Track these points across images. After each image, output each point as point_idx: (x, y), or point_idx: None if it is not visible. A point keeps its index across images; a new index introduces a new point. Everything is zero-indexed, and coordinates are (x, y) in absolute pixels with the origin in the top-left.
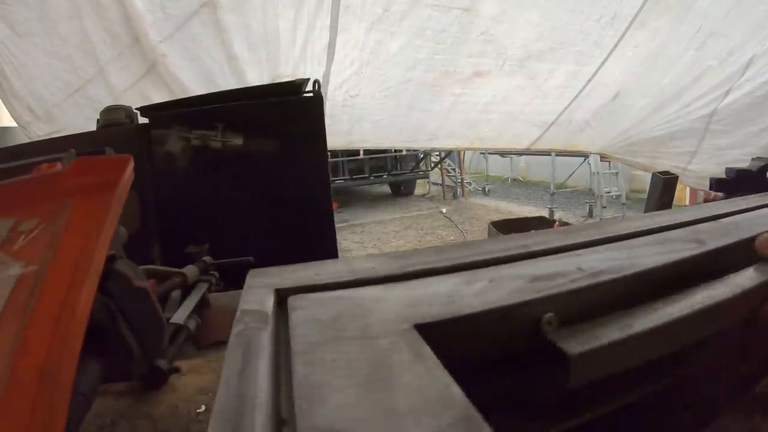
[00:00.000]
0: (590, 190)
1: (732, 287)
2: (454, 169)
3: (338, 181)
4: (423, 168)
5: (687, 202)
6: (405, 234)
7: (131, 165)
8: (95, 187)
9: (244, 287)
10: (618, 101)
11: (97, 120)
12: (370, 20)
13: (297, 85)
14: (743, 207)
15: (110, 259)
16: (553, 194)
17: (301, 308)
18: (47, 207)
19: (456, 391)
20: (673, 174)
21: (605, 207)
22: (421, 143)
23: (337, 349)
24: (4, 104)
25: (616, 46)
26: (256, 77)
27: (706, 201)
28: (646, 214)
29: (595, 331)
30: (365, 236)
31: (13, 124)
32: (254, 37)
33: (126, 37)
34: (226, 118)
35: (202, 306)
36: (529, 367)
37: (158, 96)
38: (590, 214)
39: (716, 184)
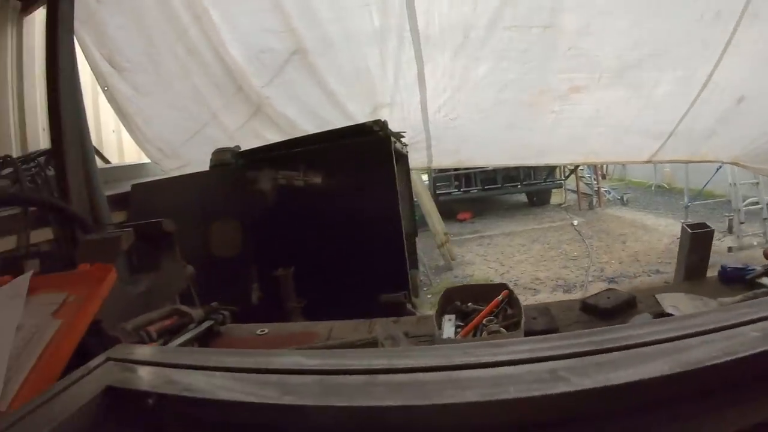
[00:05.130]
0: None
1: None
2: (590, 177)
3: (472, 191)
4: (557, 177)
5: None
6: (530, 248)
7: (113, 275)
8: (95, 280)
9: None
10: (745, 106)
11: (211, 158)
12: (452, 48)
13: (368, 127)
14: None
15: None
16: (686, 207)
17: None
18: (80, 289)
19: None
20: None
21: (743, 222)
22: (530, 160)
23: None
24: (139, 147)
25: (728, 44)
26: (357, 109)
27: None
28: None
29: None
30: (490, 249)
31: (146, 160)
32: (347, 74)
33: (231, 87)
34: (307, 159)
35: (204, 337)
36: None
37: (268, 131)
38: (729, 230)
39: None
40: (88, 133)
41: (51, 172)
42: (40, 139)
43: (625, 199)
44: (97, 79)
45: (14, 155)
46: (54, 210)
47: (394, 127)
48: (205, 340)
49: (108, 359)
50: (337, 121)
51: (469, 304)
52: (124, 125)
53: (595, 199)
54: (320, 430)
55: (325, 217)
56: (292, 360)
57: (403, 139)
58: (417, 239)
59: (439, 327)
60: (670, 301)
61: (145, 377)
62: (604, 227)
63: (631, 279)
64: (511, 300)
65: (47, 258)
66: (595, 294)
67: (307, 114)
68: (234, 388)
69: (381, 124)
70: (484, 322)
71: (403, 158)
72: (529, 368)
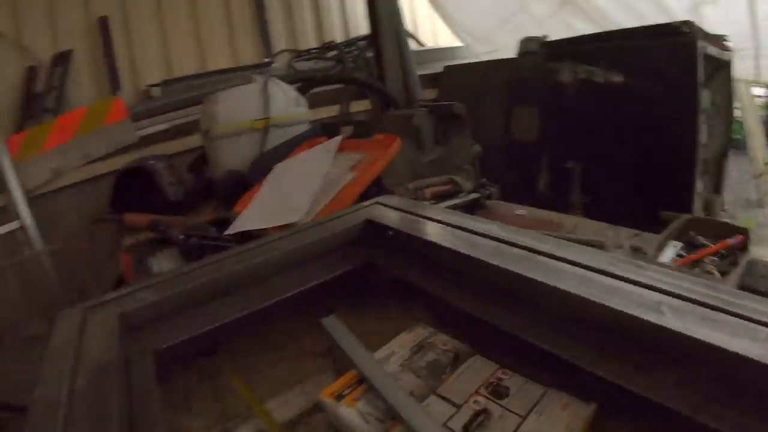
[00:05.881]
0: None
1: None
2: None
3: None
4: None
5: None
6: None
7: (398, 144)
8: (384, 147)
9: None
10: None
11: (518, 46)
12: None
13: (675, 27)
14: None
15: (380, 178)
16: None
17: None
18: (373, 151)
19: None
20: None
21: None
22: None
23: None
24: (452, 32)
25: None
26: (675, 3)
27: None
28: None
29: None
30: None
31: (458, 44)
32: None
33: None
34: (607, 56)
35: (471, 207)
36: None
37: (578, 22)
38: None
39: None
40: (401, 19)
41: (370, 54)
42: (360, 26)
43: None
44: None
45: (338, 41)
46: (369, 88)
47: (717, 29)
48: (472, 209)
49: (376, 203)
50: (651, 16)
51: (700, 237)
52: (436, 12)
53: None
54: (479, 275)
55: (620, 119)
56: (490, 228)
57: (726, 44)
58: (729, 163)
59: (660, 249)
60: None
61: (392, 217)
62: None
63: None
64: (747, 248)
65: (360, 126)
66: None
67: (620, 5)
68: (441, 236)
69: (690, 25)
70: (706, 260)
71: (723, 66)
72: (640, 291)
